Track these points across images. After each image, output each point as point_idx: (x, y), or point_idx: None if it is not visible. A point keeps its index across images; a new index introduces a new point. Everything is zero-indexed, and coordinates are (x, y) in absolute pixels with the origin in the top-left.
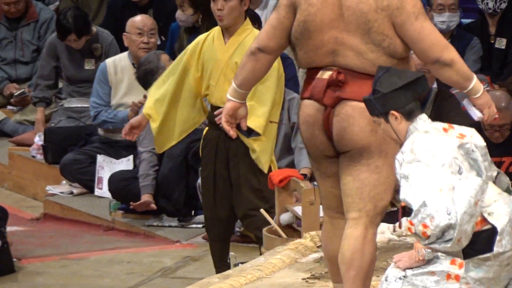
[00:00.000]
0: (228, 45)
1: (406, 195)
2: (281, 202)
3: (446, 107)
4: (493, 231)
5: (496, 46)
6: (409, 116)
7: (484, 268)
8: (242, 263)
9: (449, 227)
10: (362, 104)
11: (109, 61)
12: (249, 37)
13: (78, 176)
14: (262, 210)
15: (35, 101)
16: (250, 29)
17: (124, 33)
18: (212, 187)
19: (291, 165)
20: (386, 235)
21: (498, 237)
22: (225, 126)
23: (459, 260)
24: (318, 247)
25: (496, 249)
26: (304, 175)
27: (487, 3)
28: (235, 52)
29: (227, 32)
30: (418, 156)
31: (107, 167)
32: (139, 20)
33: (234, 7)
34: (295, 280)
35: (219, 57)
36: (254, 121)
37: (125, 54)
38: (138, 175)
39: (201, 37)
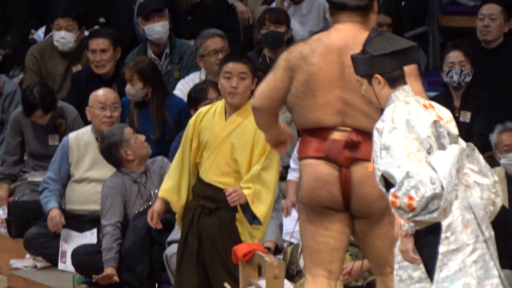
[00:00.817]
0: (228, 123)
1: (388, 167)
2: (246, 276)
3: None
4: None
5: (461, 119)
6: (393, 83)
7: (448, 268)
8: None
9: (434, 197)
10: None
11: (72, 135)
12: (249, 118)
13: (42, 250)
14: (226, 284)
15: (0, 177)
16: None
17: (87, 107)
18: (181, 254)
19: None
20: None
21: (443, 235)
22: None
23: None
24: None
25: (442, 247)
26: (268, 249)
27: (451, 77)
28: (234, 132)
29: (230, 108)
30: (398, 125)
31: (70, 240)
32: (101, 94)
33: (248, 86)
34: None
35: (217, 133)
36: (259, 209)
37: (89, 128)
38: (101, 248)
39: (202, 108)
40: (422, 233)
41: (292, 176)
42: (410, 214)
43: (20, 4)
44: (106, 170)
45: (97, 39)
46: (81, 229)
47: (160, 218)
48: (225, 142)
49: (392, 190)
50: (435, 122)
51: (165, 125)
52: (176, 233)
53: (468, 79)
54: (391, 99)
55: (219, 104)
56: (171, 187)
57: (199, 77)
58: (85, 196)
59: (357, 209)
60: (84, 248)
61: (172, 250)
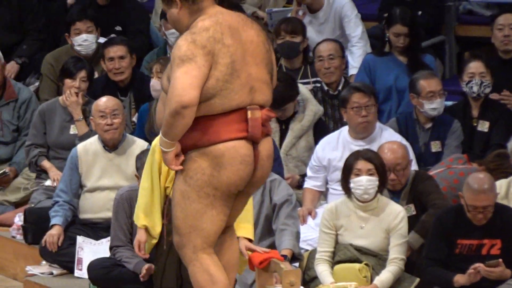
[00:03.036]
0: None
1: None
2: (261, 284)
3: (426, 189)
4: None
5: (479, 129)
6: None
7: None
8: None
9: None
10: (271, 138)
11: (79, 146)
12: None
13: (58, 257)
14: None
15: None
16: None
17: (91, 117)
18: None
19: (272, 246)
20: None
21: None
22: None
23: None
24: None
25: None
26: (285, 256)
27: (471, 87)
28: None
29: None
30: None
31: (87, 248)
32: (101, 103)
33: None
34: None
35: None
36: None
37: (95, 137)
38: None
39: None
40: None
41: (308, 184)
42: None
43: (37, 13)
44: (117, 178)
45: (114, 46)
46: (96, 237)
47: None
48: None
49: None
50: None
51: None
52: None
53: (487, 90)
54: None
55: None
56: (145, 214)
57: None
58: (98, 204)
59: (256, 182)
60: (100, 261)
61: None
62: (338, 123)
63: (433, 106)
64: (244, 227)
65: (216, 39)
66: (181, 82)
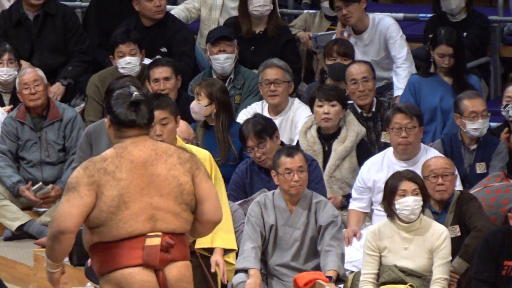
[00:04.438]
0: None
1: None
2: None
3: (469, 210)
4: None
5: None
6: None
7: None
8: None
9: None
10: (188, 262)
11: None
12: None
13: None
14: None
15: None
16: (184, 144)
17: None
18: None
19: (317, 268)
20: None
21: None
22: None
23: None
24: None
25: None
26: (330, 278)
27: (508, 111)
28: None
29: None
30: None
31: None
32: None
33: (172, 129)
34: None
35: None
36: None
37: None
38: None
39: None
40: None
41: (354, 205)
42: None
43: (81, 35)
44: None
45: (159, 67)
46: None
47: None
48: None
49: None
50: None
51: (230, 150)
52: (241, 262)
53: None
54: None
55: None
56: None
57: (260, 106)
58: None
59: None
60: None
61: (238, 279)
62: (375, 144)
63: (475, 127)
64: (221, 236)
65: (107, 171)
66: (62, 209)
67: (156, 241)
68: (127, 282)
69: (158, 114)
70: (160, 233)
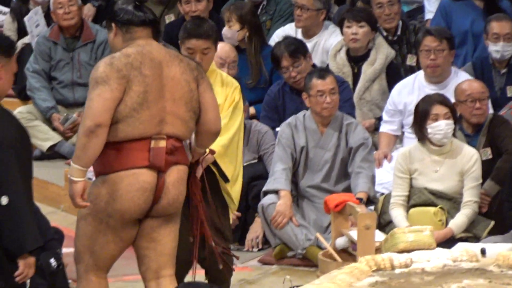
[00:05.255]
0: None
1: None
2: (337, 227)
3: (501, 133)
4: None
5: None
6: None
7: None
8: (297, 286)
9: None
10: (186, 168)
11: None
12: (217, 78)
13: None
14: (318, 234)
15: None
16: (216, 70)
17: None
18: None
19: (347, 189)
20: (441, 260)
21: None
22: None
23: None
24: (373, 271)
25: None
26: (360, 199)
27: None
28: None
29: None
30: None
31: None
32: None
33: (211, 58)
34: None
35: None
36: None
37: None
38: None
39: None
40: None
41: (384, 128)
42: None
43: None
44: None
45: None
46: None
47: None
48: None
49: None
50: None
51: (261, 73)
52: (272, 183)
53: None
54: None
55: None
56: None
57: (294, 29)
58: None
59: (163, 209)
60: None
61: (268, 200)
62: (401, 67)
63: (496, 49)
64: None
65: (134, 66)
66: (94, 104)
67: (162, 143)
68: (129, 182)
69: (201, 43)
70: (165, 136)
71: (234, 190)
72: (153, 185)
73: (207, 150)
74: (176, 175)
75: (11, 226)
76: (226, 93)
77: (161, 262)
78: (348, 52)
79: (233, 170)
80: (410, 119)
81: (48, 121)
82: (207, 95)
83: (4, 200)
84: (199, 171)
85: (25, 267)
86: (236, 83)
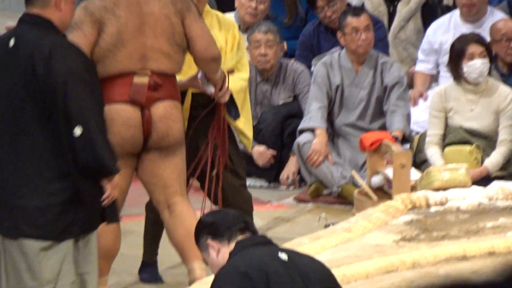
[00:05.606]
0: None
1: None
2: (372, 165)
3: None
4: None
5: None
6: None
7: None
8: (332, 224)
9: None
10: (176, 102)
11: None
12: (213, 20)
13: None
14: (353, 172)
15: None
16: (211, 11)
17: None
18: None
19: (383, 127)
20: (476, 198)
21: None
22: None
23: None
24: (408, 209)
25: None
26: (396, 138)
27: None
28: None
29: None
30: None
31: None
32: None
33: None
34: (386, 242)
35: None
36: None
37: (232, 14)
38: None
39: None
40: None
41: (420, 67)
42: None
43: None
44: None
45: None
46: None
47: None
48: None
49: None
50: None
51: (297, 12)
52: (308, 121)
53: None
54: None
55: None
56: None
57: None
58: None
59: (156, 143)
60: None
61: (304, 138)
62: (437, 7)
63: None
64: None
65: (107, 9)
66: None
67: (145, 79)
68: (112, 117)
69: None
70: (149, 72)
71: (246, 127)
72: (137, 121)
73: (225, 73)
74: (162, 111)
75: (88, 154)
76: (225, 36)
77: (168, 194)
78: None
79: (247, 106)
80: (445, 58)
81: None
82: (195, 25)
83: (78, 131)
84: (226, 97)
85: (112, 188)
86: (233, 23)
